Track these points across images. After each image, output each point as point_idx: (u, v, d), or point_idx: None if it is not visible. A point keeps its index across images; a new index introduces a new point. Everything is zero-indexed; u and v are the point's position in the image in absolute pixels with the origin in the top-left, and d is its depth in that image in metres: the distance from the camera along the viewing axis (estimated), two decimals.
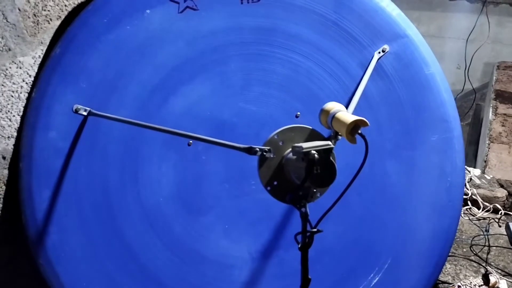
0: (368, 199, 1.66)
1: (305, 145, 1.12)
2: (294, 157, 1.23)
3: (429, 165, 1.70)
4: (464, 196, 2.80)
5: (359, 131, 1.12)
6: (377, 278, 1.67)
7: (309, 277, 1.25)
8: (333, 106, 1.23)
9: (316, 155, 1.09)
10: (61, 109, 1.46)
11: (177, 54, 1.53)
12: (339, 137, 1.23)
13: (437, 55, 1.76)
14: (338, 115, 1.17)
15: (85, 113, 1.45)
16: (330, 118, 1.19)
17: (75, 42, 1.48)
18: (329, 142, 1.14)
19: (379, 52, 1.64)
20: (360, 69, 1.64)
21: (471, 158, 4.21)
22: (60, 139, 1.46)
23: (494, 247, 2.53)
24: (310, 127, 1.43)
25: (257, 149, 1.25)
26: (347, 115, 1.14)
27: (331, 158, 1.13)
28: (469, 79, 4.62)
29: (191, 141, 1.52)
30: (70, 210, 1.47)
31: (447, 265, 2.36)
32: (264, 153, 1.27)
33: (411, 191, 1.70)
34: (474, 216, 2.81)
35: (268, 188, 1.39)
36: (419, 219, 1.71)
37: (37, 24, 1.51)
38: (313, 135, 1.40)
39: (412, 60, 1.68)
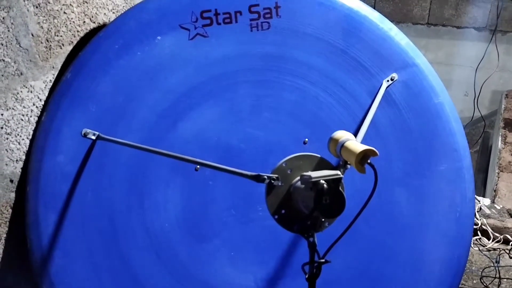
0: (376, 229, 1.63)
1: (314, 174, 1.11)
2: (303, 186, 1.22)
3: (438, 195, 1.68)
4: (474, 226, 2.75)
5: (369, 161, 1.11)
6: None
7: None
8: (342, 135, 1.22)
9: (325, 185, 1.08)
10: (70, 133, 1.47)
11: (186, 80, 1.54)
12: (348, 166, 1.22)
13: (444, 82, 1.76)
14: (347, 144, 1.16)
15: (93, 137, 1.45)
16: (339, 147, 1.19)
17: (86, 67, 1.50)
18: (338, 172, 1.13)
19: (388, 80, 1.64)
20: (368, 97, 1.63)
21: (480, 186, 4.16)
22: (68, 163, 1.47)
23: (505, 279, 2.47)
24: (319, 156, 1.42)
25: (265, 177, 1.25)
26: (356, 145, 1.14)
27: (340, 188, 1.12)
28: (477, 107, 4.60)
29: (198, 166, 1.51)
30: (75, 235, 1.47)
31: None
32: (272, 181, 1.26)
33: (420, 221, 1.67)
34: (484, 246, 2.76)
35: (276, 216, 1.37)
36: (428, 249, 1.68)
37: (49, 49, 1.53)
38: (322, 164, 1.39)
39: (421, 89, 1.68)
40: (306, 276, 1.22)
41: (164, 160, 1.46)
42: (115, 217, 1.49)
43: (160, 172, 1.52)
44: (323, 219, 1.30)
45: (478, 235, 2.85)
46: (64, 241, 1.45)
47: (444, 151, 1.68)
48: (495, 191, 3.12)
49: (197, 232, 1.54)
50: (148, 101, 1.52)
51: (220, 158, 1.47)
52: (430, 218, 1.67)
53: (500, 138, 3.52)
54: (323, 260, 1.18)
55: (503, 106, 3.87)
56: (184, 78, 1.54)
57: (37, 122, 1.51)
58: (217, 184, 1.54)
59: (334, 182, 1.10)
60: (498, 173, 3.22)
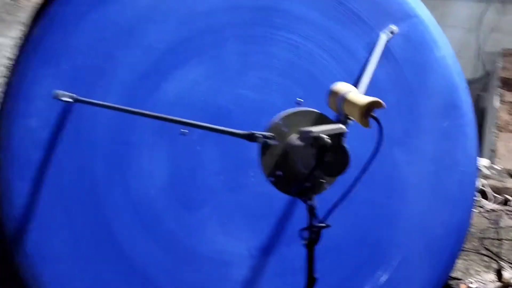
0: (375, 191, 1.59)
1: (315, 129, 1.02)
2: (302, 143, 1.13)
3: (440, 153, 1.65)
4: None
5: (372, 113, 1.01)
6: (386, 276, 1.61)
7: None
8: (342, 87, 1.12)
9: (328, 140, 0.98)
10: (42, 95, 1.38)
11: (169, 35, 1.46)
12: (349, 121, 1.12)
13: None
14: (350, 96, 1.06)
15: (68, 100, 1.34)
16: (340, 100, 1.08)
17: (57, 21, 1.41)
18: (341, 125, 1.03)
19: (387, 33, 1.55)
20: (366, 52, 1.57)
21: None
22: (41, 128, 1.38)
23: (507, 241, 2.45)
24: (318, 111, 1.33)
25: (259, 135, 1.15)
26: (360, 96, 1.04)
27: (343, 143, 1.02)
28: (483, 66, 4.54)
29: (184, 130, 1.43)
30: (53, 204, 1.40)
31: (457, 260, 2.27)
32: (267, 140, 1.16)
33: (421, 182, 1.64)
34: (483, 208, 2.73)
35: (271, 179, 1.29)
36: (430, 212, 1.65)
37: (16, 1, 1.40)
38: (321, 120, 1.30)
39: (422, 42, 1.64)
40: (305, 242, 1.14)
41: (148, 123, 1.38)
42: (96, 184, 1.42)
43: (144, 136, 1.44)
44: (322, 180, 1.21)
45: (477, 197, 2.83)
46: (41, 211, 1.38)
47: (446, 107, 1.65)
48: (493, 151, 3.09)
49: (185, 199, 1.48)
50: (127, 59, 1.43)
51: (207, 120, 1.39)
52: (431, 178, 1.64)
53: (497, 98, 3.47)
54: (323, 224, 1.09)
55: (500, 65, 3.82)
56: (166, 33, 1.45)
57: (7, 83, 1.40)
58: (205, 149, 1.47)
59: (337, 137, 1.00)
60: (496, 133, 3.18)
